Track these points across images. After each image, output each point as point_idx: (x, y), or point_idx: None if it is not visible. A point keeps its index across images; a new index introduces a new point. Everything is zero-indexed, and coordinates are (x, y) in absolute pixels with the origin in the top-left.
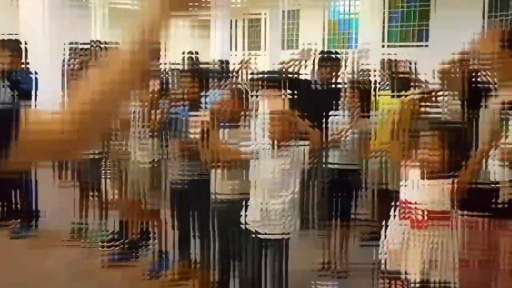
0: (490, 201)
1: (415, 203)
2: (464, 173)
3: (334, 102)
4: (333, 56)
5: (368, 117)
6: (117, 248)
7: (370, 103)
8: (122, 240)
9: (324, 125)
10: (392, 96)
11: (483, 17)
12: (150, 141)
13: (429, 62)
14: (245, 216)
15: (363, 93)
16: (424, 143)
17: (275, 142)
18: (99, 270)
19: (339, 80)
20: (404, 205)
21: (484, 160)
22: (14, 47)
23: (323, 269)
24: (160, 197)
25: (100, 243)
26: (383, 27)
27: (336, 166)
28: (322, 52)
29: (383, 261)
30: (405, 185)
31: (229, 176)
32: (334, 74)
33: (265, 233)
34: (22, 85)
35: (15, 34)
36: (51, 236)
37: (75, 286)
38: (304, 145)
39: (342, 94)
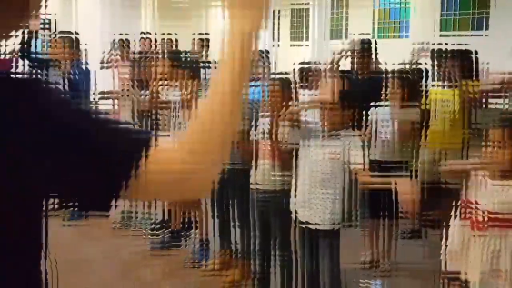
0: None
1: (480, 203)
2: None
3: (375, 92)
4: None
5: (413, 106)
6: (161, 236)
7: (415, 93)
8: (166, 229)
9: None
10: (447, 87)
11: None
12: None
13: (490, 52)
14: (294, 204)
15: (406, 82)
16: (492, 139)
17: (326, 129)
18: (143, 258)
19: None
20: (467, 205)
21: None
22: (70, 39)
23: (368, 267)
24: None
25: (146, 231)
26: (439, 15)
27: (377, 159)
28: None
29: (443, 262)
30: (470, 184)
31: (279, 168)
32: (369, 62)
33: (315, 223)
34: (79, 84)
35: (74, 33)
36: (101, 224)
37: (120, 273)
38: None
39: (384, 84)
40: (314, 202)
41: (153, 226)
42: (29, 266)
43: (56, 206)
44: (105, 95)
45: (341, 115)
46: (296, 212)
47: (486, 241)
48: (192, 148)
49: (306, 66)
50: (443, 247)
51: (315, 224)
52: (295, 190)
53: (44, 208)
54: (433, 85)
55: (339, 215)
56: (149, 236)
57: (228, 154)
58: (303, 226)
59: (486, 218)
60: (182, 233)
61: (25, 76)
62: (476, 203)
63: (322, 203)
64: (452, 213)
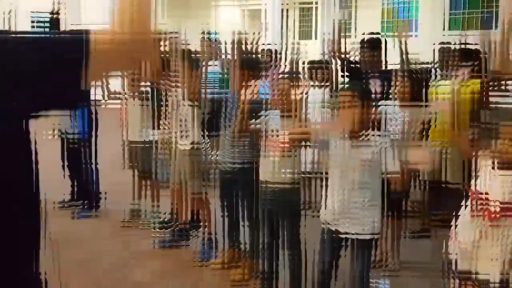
0: None
1: (489, 194)
2: None
3: (383, 90)
4: (374, 38)
5: (421, 106)
6: (168, 233)
7: (423, 92)
8: (173, 225)
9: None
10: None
11: None
12: (191, 129)
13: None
14: (324, 212)
15: (414, 81)
16: (503, 134)
17: (349, 132)
18: (150, 255)
19: (389, 67)
20: (476, 196)
21: None
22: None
23: (374, 266)
24: (202, 185)
25: (153, 226)
26: (444, 13)
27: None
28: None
29: (454, 261)
30: (477, 176)
31: (282, 165)
32: (376, 59)
33: (345, 232)
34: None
35: (79, 24)
36: (110, 217)
37: (121, 272)
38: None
39: (392, 82)
40: (352, 211)
41: (161, 225)
42: (28, 264)
43: (68, 199)
44: (115, 95)
45: (361, 112)
46: (328, 223)
47: (503, 234)
48: (119, 20)
49: (315, 64)
50: (453, 246)
51: (355, 234)
52: (326, 198)
53: (43, 205)
54: (435, 85)
55: (379, 223)
56: (157, 234)
57: (150, 16)
58: (341, 236)
59: (498, 210)
60: (187, 232)
61: None
62: (486, 193)
63: (361, 212)
64: (462, 208)
